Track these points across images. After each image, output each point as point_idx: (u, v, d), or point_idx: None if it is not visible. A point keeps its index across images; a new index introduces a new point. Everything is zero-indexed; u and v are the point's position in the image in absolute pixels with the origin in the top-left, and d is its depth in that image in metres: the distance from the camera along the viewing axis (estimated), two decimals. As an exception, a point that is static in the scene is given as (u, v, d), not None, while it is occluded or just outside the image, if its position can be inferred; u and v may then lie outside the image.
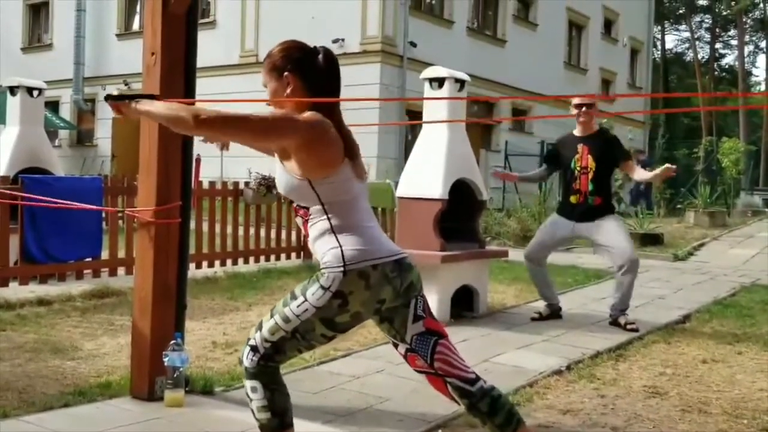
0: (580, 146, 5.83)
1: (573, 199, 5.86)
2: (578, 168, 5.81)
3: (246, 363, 2.46)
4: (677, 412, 3.70)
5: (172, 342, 3.50)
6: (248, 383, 2.47)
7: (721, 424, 3.53)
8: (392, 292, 2.39)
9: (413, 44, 17.48)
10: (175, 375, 3.47)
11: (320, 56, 2.46)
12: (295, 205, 2.49)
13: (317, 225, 2.40)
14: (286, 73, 2.44)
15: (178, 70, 3.66)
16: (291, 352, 2.46)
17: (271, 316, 2.43)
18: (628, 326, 5.64)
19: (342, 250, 2.34)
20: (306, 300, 2.36)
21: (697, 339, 5.40)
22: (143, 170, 3.65)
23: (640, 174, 5.92)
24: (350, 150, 2.43)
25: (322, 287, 2.34)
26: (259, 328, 2.45)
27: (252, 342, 2.45)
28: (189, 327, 4.81)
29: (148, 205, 3.62)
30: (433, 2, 19.96)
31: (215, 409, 3.49)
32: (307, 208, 2.42)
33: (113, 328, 5.18)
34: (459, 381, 2.45)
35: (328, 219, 2.39)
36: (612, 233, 5.75)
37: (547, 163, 6.23)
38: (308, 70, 2.44)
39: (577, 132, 5.95)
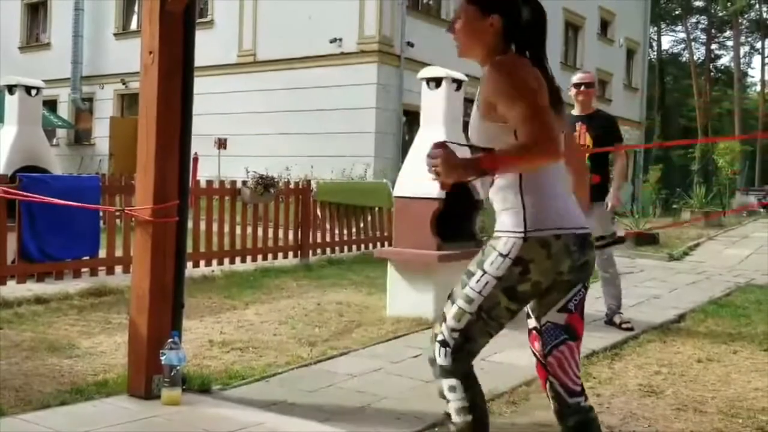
0: (578, 125, 5.85)
1: None
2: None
3: (440, 360, 2.29)
4: (672, 411, 3.71)
5: (169, 340, 3.51)
6: (445, 383, 2.30)
7: (717, 423, 3.55)
8: (570, 265, 2.22)
9: (410, 44, 17.48)
10: (172, 373, 3.48)
11: (528, 8, 2.29)
12: (484, 150, 2.25)
13: (505, 176, 2.23)
14: (494, 15, 2.26)
15: (176, 70, 3.67)
16: (482, 337, 2.29)
17: (453, 303, 2.28)
18: (623, 325, 5.66)
19: (525, 214, 2.19)
20: (485, 272, 2.22)
21: (693, 338, 5.42)
22: (141, 169, 3.66)
23: (618, 167, 5.94)
24: (556, 102, 2.26)
25: (500, 255, 2.20)
26: (443, 319, 2.30)
27: (440, 337, 2.29)
28: (186, 326, 4.81)
29: (145, 204, 3.63)
30: (431, 2, 19.96)
31: (212, 407, 3.50)
32: None
33: (110, 326, 5.19)
34: (560, 387, 2.31)
35: (520, 174, 2.21)
36: (597, 227, 5.80)
37: None
38: (515, 20, 2.27)
39: (575, 111, 5.96)
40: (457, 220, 6.12)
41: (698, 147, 21.23)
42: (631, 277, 8.97)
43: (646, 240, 12.41)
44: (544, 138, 2.05)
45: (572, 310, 2.29)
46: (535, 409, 3.69)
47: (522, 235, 2.18)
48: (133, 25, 21.64)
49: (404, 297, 5.83)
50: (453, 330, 2.27)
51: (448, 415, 2.34)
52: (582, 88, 5.87)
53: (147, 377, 3.57)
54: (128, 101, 21.58)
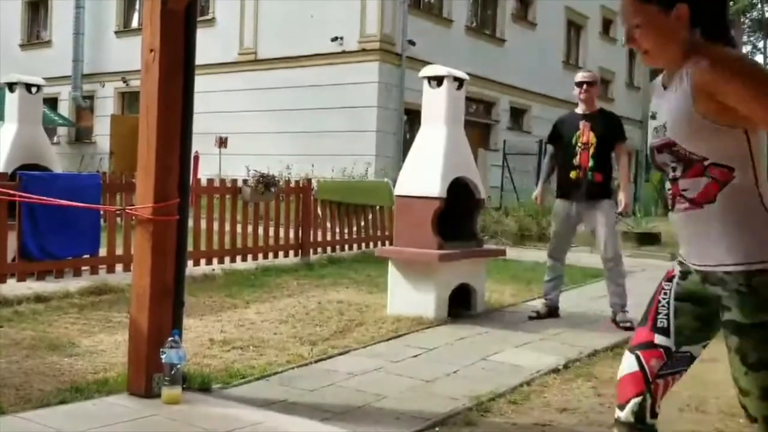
0: (581, 123, 5.85)
1: (573, 174, 5.83)
2: (579, 144, 5.82)
3: None
4: (674, 411, 3.70)
5: (170, 339, 3.50)
6: None
7: (717, 423, 3.54)
8: None
9: (412, 43, 17.46)
10: (172, 372, 3.47)
11: None
12: (700, 161, 1.90)
13: (741, 190, 1.87)
14: (680, 5, 1.91)
15: (177, 68, 3.66)
16: None
17: (764, 398, 1.90)
18: (621, 324, 5.65)
19: None
20: None
21: (694, 338, 5.39)
22: (142, 168, 3.65)
23: (623, 167, 5.95)
24: None
25: (756, 293, 1.84)
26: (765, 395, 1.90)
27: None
28: (186, 324, 4.81)
29: (146, 202, 3.62)
30: (432, 1, 19.94)
31: (212, 406, 3.49)
32: (730, 169, 1.87)
33: (111, 325, 5.18)
34: (650, 406, 2.08)
35: (758, 188, 1.87)
36: (600, 224, 5.81)
37: (552, 143, 6.17)
38: (700, 1, 1.94)
39: (578, 110, 5.97)
40: (458, 220, 6.11)
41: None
42: (633, 276, 8.95)
43: (648, 239, 12.39)
44: None
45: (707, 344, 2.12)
46: (536, 408, 3.68)
47: None
48: (134, 23, 21.65)
49: (405, 296, 5.82)
50: None
51: None
52: (584, 86, 5.87)
53: (147, 376, 3.57)
54: (129, 99, 21.58)
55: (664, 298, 2.10)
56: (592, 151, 5.77)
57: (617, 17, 27.44)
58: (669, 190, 2.01)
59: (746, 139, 1.87)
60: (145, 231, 3.61)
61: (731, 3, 36.28)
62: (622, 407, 2.08)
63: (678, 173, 1.96)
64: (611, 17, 27.45)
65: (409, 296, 5.79)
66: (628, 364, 2.10)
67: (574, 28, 25.69)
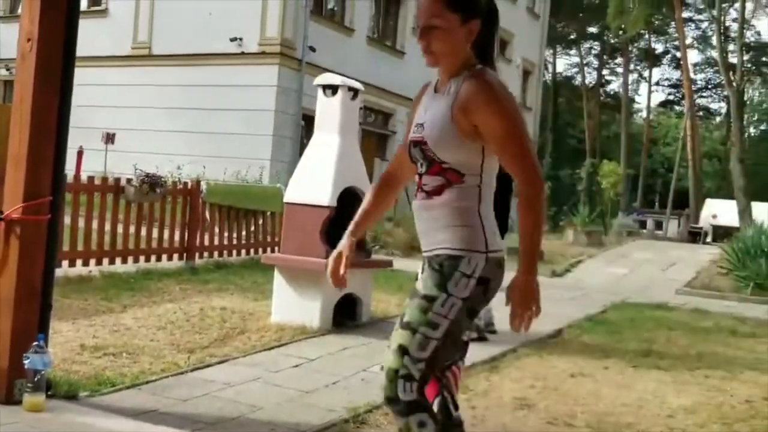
0: None
1: None
2: None
3: (405, 397, 2.10)
4: (543, 425, 3.82)
5: (34, 344, 3.33)
6: (413, 419, 2.11)
7: (584, 437, 3.67)
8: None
9: (312, 49, 17.42)
10: (36, 378, 3.30)
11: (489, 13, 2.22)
12: (440, 163, 2.17)
13: (465, 193, 2.15)
14: (474, 21, 2.16)
15: (56, 58, 3.49)
16: (442, 362, 2.21)
17: (413, 332, 2.11)
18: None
19: (485, 234, 2.15)
20: (450, 295, 2.11)
21: (568, 353, 5.60)
22: (12, 162, 3.46)
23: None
24: None
25: (465, 275, 2.11)
26: (402, 352, 2.11)
27: (403, 371, 2.10)
28: (56, 328, 4.60)
29: (15, 198, 3.43)
30: (335, 9, 19.97)
31: (78, 415, 3.34)
32: (460, 174, 2.16)
33: (-27, 326, 4.87)
34: (451, 401, 2.36)
35: (480, 193, 2.17)
36: None
37: None
38: (489, 26, 2.21)
39: None
40: (347, 229, 6.10)
41: (585, 168, 22.15)
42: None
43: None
44: (540, 180, 2.12)
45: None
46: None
47: (485, 254, 2.14)
48: (21, 9, 20.64)
49: (290, 305, 5.76)
50: (419, 360, 2.11)
51: None
52: None
53: (9, 382, 3.38)
54: (12, 88, 20.52)
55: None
56: None
57: (513, 39, 28.37)
58: (415, 182, 2.27)
59: (482, 154, 2.17)
60: (13, 230, 3.42)
61: (621, 32, 38.20)
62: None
63: (423, 169, 2.21)
64: (507, 38, 28.30)
65: (294, 305, 5.74)
66: None
67: (472, 46, 26.33)
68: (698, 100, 48.47)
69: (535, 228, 2.12)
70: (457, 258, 2.13)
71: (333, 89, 6.06)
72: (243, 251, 9.48)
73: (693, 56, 51.00)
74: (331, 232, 5.88)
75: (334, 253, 2.37)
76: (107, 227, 7.65)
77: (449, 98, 2.16)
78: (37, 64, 3.42)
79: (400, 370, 2.11)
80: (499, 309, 6.17)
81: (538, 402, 4.20)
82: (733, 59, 32.77)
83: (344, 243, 2.39)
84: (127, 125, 17.40)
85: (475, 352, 5.28)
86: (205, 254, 8.90)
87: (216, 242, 9.07)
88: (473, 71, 2.16)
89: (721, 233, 25.28)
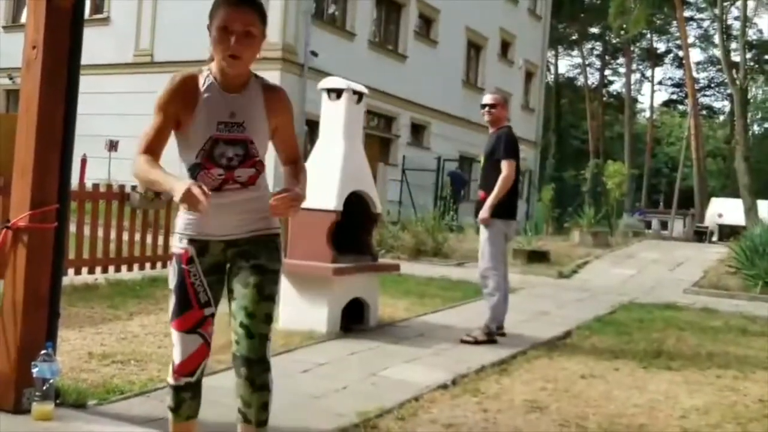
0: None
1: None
2: (481, 163, 6.11)
3: (269, 357, 2.50)
4: (556, 427, 3.78)
5: (42, 352, 3.31)
6: (269, 377, 2.51)
7: (597, 439, 3.64)
8: None
9: (314, 54, 17.43)
10: (44, 387, 3.28)
11: None
12: (255, 157, 2.48)
13: (263, 182, 2.54)
14: (264, 29, 2.50)
15: (61, 66, 3.48)
16: None
17: (274, 302, 2.51)
18: (466, 337, 5.74)
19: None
20: (281, 266, 2.58)
21: (578, 355, 5.57)
22: (18, 171, 3.44)
23: (499, 181, 5.83)
24: None
25: (278, 248, 2.57)
26: (268, 320, 2.49)
27: (270, 334, 2.50)
28: (64, 336, 4.59)
29: (22, 208, 3.41)
30: (336, 13, 19.99)
31: (86, 423, 3.31)
32: (263, 165, 2.52)
33: (-20, 336, 4.85)
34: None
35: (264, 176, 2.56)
36: (480, 242, 6.02)
37: None
38: None
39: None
40: (353, 233, 6.09)
41: (589, 169, 22.10)
42: (522, 293, 9.19)
43: (537, 257, 12.76)
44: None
45: None
46: (422, 425, 3.68)
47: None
48: (23, 18, 20.68)
49: (297, 310, 5.73)
50: (271, 327, 2.52)
51: (265, 405, 2.51)
52: (486, 108, 6.08)
53: (17, 391, 3.36)
54: (15, 97, 20.48)
55: (195, 278, 2.53)
56: (480, 171, 6.00)
57: (515, 40, 28.38)
58: (219, 176, 2.45)
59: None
60: (20, 239, 3.41)
61: (623, 32, 38.15)
62: (192, 374, 2.59)
63: (235, 163, 2.45)
64: (509, 40, 28.31)
65: (302, 310, 5.72)
66: (191, 342, 2.55)
67: (474, 48, 26.34)
68: (701, 99, 48.47)
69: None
70: (276, 234, 2.59)
71: (337, 93, 6.04)
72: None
73: (695, 55, 51.08)
74: (338, 237, 5.87)
75: (183, 186, 2.25)
76: (112, 235, 7.64)
77: (256, 101, 2.49)
78: (43, 71, 3.41)
79: (268, 334, 2.49)
80: (507, 311, 6.18)
81: (550, 404, 4.17)
82: (735, 57, 32.72)
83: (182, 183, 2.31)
84: (130, 132, 17.31)
85: (485, 355, 5.27)
86: (211, 260, 8.86)
87: (222, 248, 9.04)
88: (263, 80, 2.55)
89: (727, 232, 25.25)
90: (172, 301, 2.58)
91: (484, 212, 5.89)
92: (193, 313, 2.55)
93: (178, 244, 2.56)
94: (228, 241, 2.53)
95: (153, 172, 2.42)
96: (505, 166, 5.88)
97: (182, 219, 2.56)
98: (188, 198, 2.23)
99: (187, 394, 2.64)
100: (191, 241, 2.53)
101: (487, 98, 6.19)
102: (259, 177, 2.51)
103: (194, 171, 2.48)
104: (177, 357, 2.59)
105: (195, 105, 2.44)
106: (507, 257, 6.28)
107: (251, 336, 2.46)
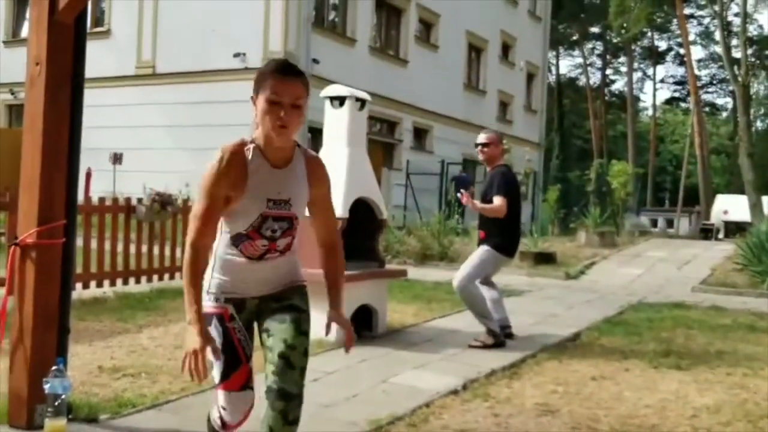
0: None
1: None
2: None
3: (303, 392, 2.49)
4: (568, 430, 3.78)
5: (54, 368, 3.31)
6: (301, 410, 2.50)
7: (609, 441, 3.63)
8: None
9: (316, 61, 17.47)
10: (56, 403, 3.27)
11: None
12: (297, 220, 2.54)
13: (294, 247, 2.60)
14: (308, 99, 2.54)
15: (65, 82, 3.50)
16: None
17: (308, 338, 2.52)
18: (475, 342, 5.76)
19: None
20: (309, 310, 2.61)
21: (588, 356, 5.56)
22: (25, 187, 3.45)
23: (490, 206, 5.92)
24: None
25: (306, 294, 2.63)
26: (306, 354, 2.49)
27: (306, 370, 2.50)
28: (74, 351, 4.59)
29: (29, 224, 3.42)
30: (336, 20, 20.03)
31: (99, 438, 3.32)
32: (297, 229, 2.57)
33: (-9, 352, 4.87)
34: None
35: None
36: (472, 255, 6.05)
37: None
38: None
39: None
40: (359, 240, 6.09)
41: (594, 169, 22.05)
42: (530, 295, 9.18)
43: (544, 259, 12.74)
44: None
45: None
46: (434, 431, 3.68)
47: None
48: (24, 33, 20.76)
49: (305, 318, 5.73)
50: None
51: None
52: (480, 147, 6.11)
53: (29, 407, 3.37)
54: (17, 112, 20.66)
55: (240, 333, 2.54)
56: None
57: (516, 42, 28.37)
58: (263, 246, 2.49)
59: None
60: (28, 255, 3.42)
61: (624, 31, 38.14)
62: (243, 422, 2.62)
63: (278, 235, 2.49)
64: (510, 42, 28.31)
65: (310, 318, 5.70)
66: (243, 398, 2.58)
67: (475, 51, 26.33)
68: (704, 96, 48.39)
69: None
70: (303, 286, 2.65)
71: (340, 100, 6.05)
72: (255, 266, 9.45)
73: (697, 52, 50.96)
74: (344, 244, 5.86)
75: (194, 345, 2.33)
76: (119, 248, 7.66)
77: (300, 175, 2.52)
78: (47, 88, 3.42)
79: (306, 368, 2.49)
80: (515, 313, 6.16)
81: (561, 407, 4.16)
82: (736, 54, 32.65)
83: (198, 335, 2.36)
84: (134, 144, 17.46)
85: (495, 359, 5.27)
86: (218, 270, 8.87)
87: (228, 258, 9.05)
88: (304, 149, 2.57)
89: (733, 229, 25.19)
90: (216, 363, 2.51)
91: (471, 203, 5.91)
92: (243, 370, 2.55)
93: (214, 304, 2.51)
94: (262, 297, 2.57)
95: (191, 290, 2.40)
96: (496, 200, 5.89)
97: (216, 280, 2.52)
98: (190, 362, 2.31)
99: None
100: (230, 299, 2.52)
101: (482, 137, 6.16)
102: (294, 242, 2.56)
103: (239, 240, 2.48)
104: (229, 417, 2.58)
105: (244, 182, 2.41)
106: (490, 278, 6.21)
107: (292, 367, 2.43)
